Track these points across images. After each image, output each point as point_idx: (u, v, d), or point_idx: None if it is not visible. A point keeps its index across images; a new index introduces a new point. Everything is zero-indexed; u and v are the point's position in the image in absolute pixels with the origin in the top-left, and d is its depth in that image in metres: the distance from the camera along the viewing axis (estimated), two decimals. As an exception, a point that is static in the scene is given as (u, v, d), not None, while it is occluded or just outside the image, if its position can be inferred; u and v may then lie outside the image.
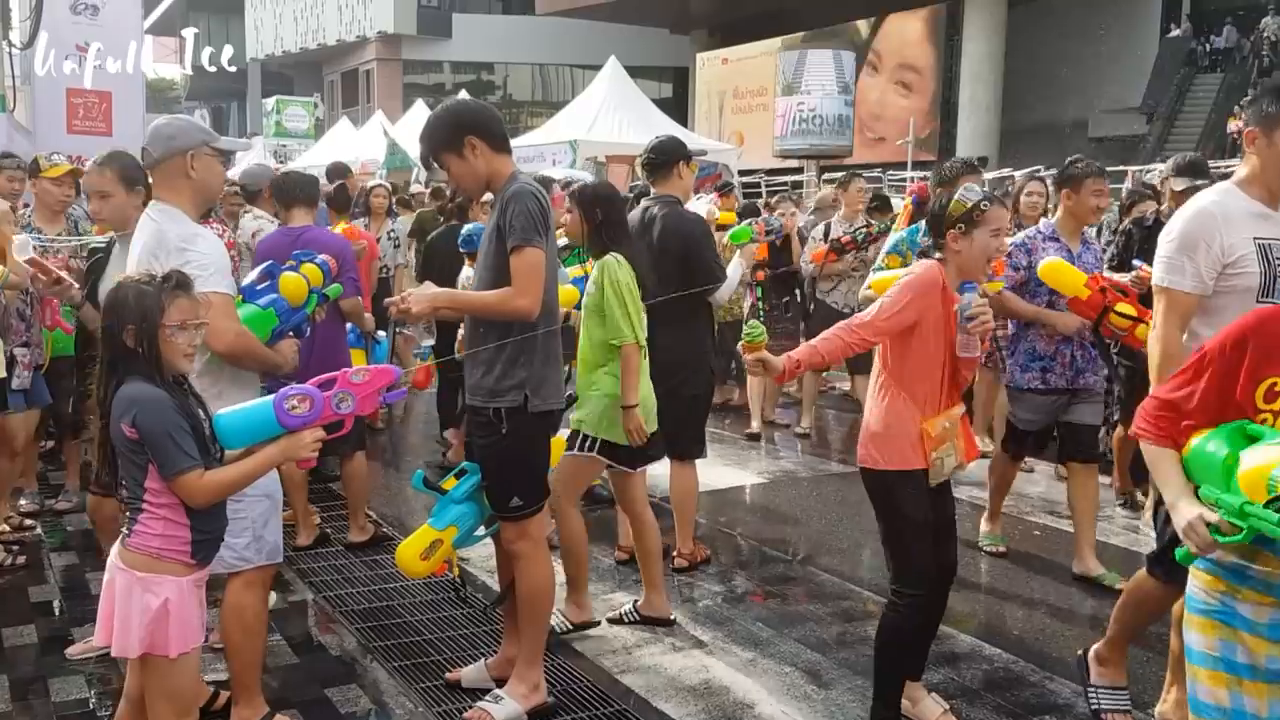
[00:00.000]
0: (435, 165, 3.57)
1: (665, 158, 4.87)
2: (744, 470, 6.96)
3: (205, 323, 2.71)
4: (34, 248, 5.42)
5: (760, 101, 28.95)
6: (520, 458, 3.46)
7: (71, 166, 5.90)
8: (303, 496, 5.31)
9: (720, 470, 6.65)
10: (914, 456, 3.21)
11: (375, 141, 19.82)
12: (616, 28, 32.56)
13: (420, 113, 22.06)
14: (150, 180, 3.42)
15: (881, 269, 4.89)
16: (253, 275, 3.52)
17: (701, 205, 8.27)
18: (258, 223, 6.09)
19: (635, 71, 20.60)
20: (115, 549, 2.69)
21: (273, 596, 4.20)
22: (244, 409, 2.72)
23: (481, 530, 3.68)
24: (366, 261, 7.47)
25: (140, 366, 2.57)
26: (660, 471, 5.15)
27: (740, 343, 3.15)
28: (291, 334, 3.49)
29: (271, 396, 2.66)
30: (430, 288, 3.71)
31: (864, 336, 3.20)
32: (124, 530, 2.67)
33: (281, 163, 24.82)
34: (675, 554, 4.98)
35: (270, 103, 32.17)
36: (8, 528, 5.22)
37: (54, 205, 5.68)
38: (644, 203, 4.97)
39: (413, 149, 13.03)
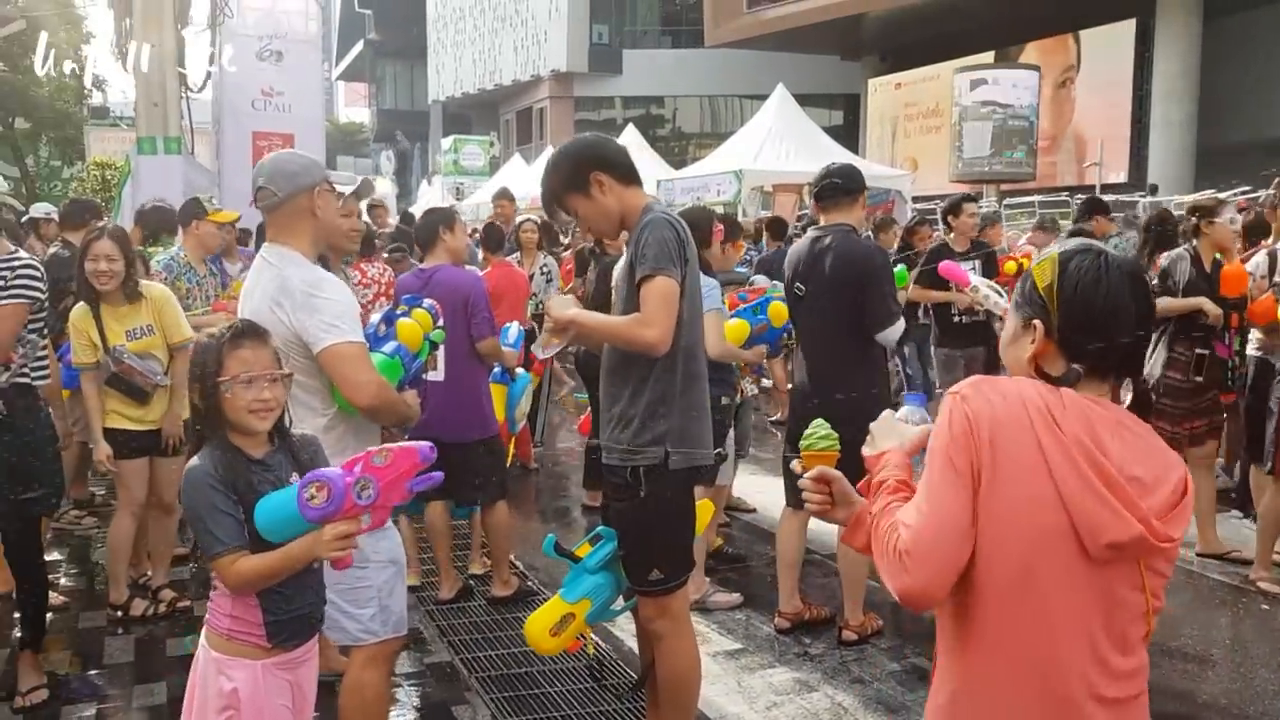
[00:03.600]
0: (560, 212, 3.19)
1: (850, 184, 4.45)
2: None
3: (283, 375, 2.41)
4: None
5: (934, 124, 27.89)
6: (661, 524, 3.05)
7: (235, 214, 6.32)
8: (446, 545, 5.05)
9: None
10: None
11: (544, 176, 20.03)
12: (785, 57, 32.09)
13: (588, 147, 22.17)
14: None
15: None
16: (372, 322, 3.24)
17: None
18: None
19: (805, 99, 20.09)
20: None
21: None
22: (273, 497, 2.25)
23: (620, 604, 3.29)
24: (521, 297, 7.29)
25: (210, 428, 2.33)
26: (828, 528, 4.66)
27: (796, 459, 2.04)
28: (409, 385, 3.19)
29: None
30: (572, 302, 3.35)
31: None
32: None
33: (458, 199, 25.53)
34: (843, 625, 4.47)
35: (448, 142, 33.27)
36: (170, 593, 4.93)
37: (214, 249, 5.82)
38: (812, 232, 4.53)
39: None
